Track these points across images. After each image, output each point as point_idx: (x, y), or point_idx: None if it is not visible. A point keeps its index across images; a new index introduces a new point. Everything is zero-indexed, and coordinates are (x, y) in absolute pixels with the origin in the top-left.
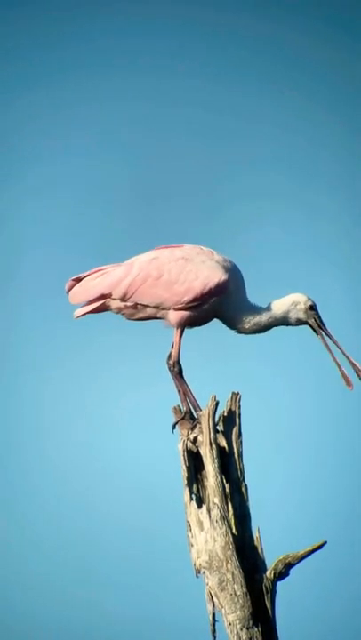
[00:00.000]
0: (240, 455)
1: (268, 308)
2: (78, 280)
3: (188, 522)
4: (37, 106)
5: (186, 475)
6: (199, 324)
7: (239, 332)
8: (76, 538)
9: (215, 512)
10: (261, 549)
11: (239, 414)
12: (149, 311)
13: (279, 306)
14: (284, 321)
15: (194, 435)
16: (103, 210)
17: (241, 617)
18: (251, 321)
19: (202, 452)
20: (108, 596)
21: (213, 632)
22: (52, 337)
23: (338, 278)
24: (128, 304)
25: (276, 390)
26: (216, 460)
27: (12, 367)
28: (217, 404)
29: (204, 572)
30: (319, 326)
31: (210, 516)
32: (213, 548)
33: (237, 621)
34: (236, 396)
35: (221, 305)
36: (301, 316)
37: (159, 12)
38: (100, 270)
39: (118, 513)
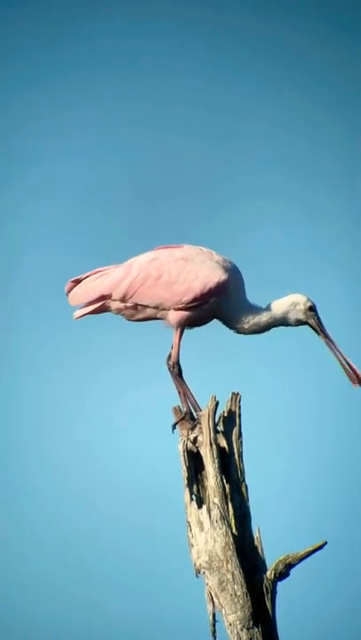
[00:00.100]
0: (240, 455)
1: (268, 309)
2: (77, 282)
3: (188, 522)
4: (37, 106)
5: (186, 475)
6: (199, 325)
7: (238, 332)
8: (76, 538)
9: (215, 512)
10: (262, 549)
11: (239, 414)
12: (149, 312)
13: (279, 306)
14: (283, 321)
15: (194, 435)
16: (103, 210)
17: (241, 617)
18: (250, 321)
19: (202, 452)
20: (108, 596)
21: (214, 632)
22: (51, 337)
23: (338, 278)
24: (128, 305)
25: (276, 390)
26: (216, 461)
27: (11, 367)
28: (217, 404)
29: (204, 573)
30: (319, 327)
31: (210, 517)
32: (213, 549)
33: (238, 622)
34: (236, 397)
35: (221, 305)
36: (301, 316)
37: (159, 11)
38: (99, 272)
39: (118, 513)
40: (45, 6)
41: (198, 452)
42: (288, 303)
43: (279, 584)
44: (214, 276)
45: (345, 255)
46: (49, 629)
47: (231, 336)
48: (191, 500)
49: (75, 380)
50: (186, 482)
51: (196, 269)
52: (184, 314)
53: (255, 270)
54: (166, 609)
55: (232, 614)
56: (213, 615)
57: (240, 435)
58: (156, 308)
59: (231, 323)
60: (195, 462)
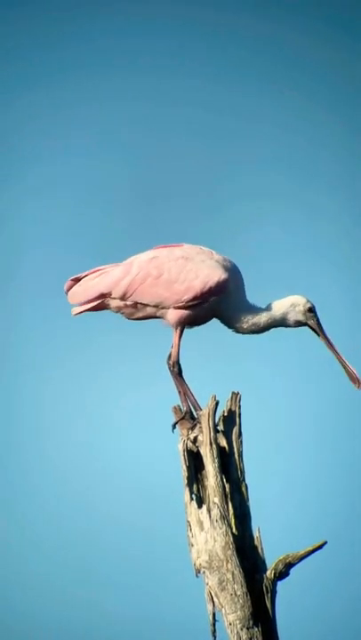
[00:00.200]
0: (240, 455)
1: (267, 309)
2: (77, 280)
3: (188, 522)
4: (37, 106)
5: (186, 474)
6: (198, 324)
7: (237, 331)
8: (76, 538)
9: (215, 512)
10: (262, 549)
11: (239, 414)
12: (149, 310)
13: (278, 307)
14: (282, 322)
15: (194, 434)
16: (103, 210)
17: (241, 617)
18: (249, 321)
19: (202, 451)
20: (108, 595)
21: (214, 632)
22: (51, 337)
23: (338, 278)
24: (128, 303)
25: (276, 390)
26: (216, 460)
27: (12, 367)
28: (217, 403)
29: (204, 572)
30: (318, 328)
31: (210, 516)
32: (213, 548)
33: (238, 621)
34: (236, 396)
35: (221, 304)
36: (300, 317)
37: (159, 11)
38: (98, 270)
39: (118, 513)
40: (45, 6)
41: (198, 452)
42: (288, 304)
43: (279, 584)
44: (214, 275)
45: (345, 255)
46: (49, 629)
47: (231, 336)
48: (191, 499)
49: (75, 380)
50: (186, 481)
51: (197, 268)
52: (184, 312)
53: (255, 270)
54: (166, 609)
55: (232, 614)
56: (213, 615)
57: (240, 434)
58: (155, 306)
59: (230, 322)
60: (195, 462)
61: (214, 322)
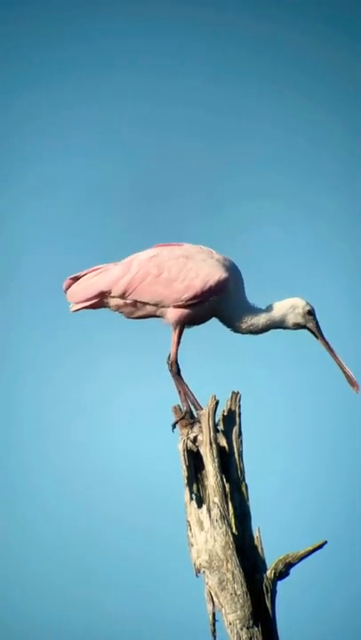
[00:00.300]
0: (240, 455)
1: (267, 310)
2: (76, 279)
3: (188, 521)
4: (37, 106)
5: (186, 474)
6: (198, 323)
7: (236, 330)
8: (76, 538)
9: (215, 511)
10: (262, 549)
11: (239, 414)
12: (148, 309)
13: (278, 309)
14: (281, 324)
15: (194, 434)
16: (103, 210)
17: (241, 617)
18: (248, 321)
19: (202, 451)
20: (108, 596)
21: (213, 632)
22: (51, 337)
23: (337, 278)
24: (127, 301)
25: (276, 390)
26: (216, 460)
27: (12, 367)
28: (217, 403)
29: (204, 572)
30: (317, 331)
31: (210, 516)
32: (213, 548)
33: (237, 621)
34: (236, 396)
35: (221, 304)
36: (299, 320)
37: (159, 11)
38: (97, 269)
39: (118, 513)
40: (45, 6)
41: (198, 452)
42: (287, 306)
43: (279, 583)
44: (215, 274)
45: (345, 255)
46: (49, 629)
47: (231, 336)
48: (191, 499)
49: (75, 380)
50: (186, 481)
51: (197, 267)
52: (183, 311)
53: (255, 270)
54: (166, 609)
55: (232, 613)
56: (213, 614)
57: (240, 434)
58: (155, 305)
59: (230, 322)
60: (195, 461)
61: (214, 322)
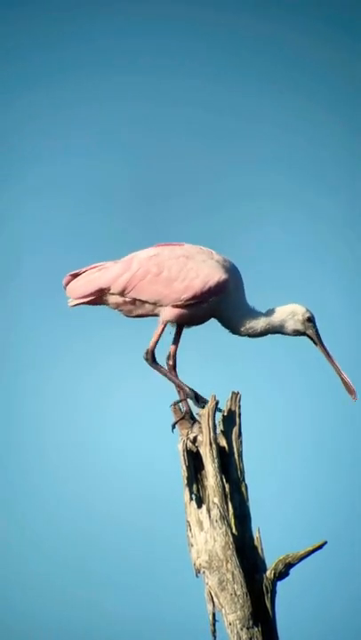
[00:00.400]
0: (240, 455)
1: (266, 314)
2: (76, 276)
3: (188, 522)
4: (37, 106)
5: (186, 474)
6: (196, 324)
7: (234, 332)
8: (76, 538)
9: (215, 512)
10: (261, 549)
11: (239, 414)
12: (147, 307)
13: (277, 314)
14: (280, 329)
15: (194, 434)
16: (103, 210)
17: (241, 617)
18: (247, 324)
19: (202, 451)
20: (108, 596)
21: (213, 632)
22: (52, 337)
23: (337, 279)
24: (126, 299)
25: (277, 390)
26: (216, 460)
27: (11, 367)
28: (217, 403)
29: (204, 572)
30: (316, 338)
31: (210, 516)
32: (213, 548)
33: (237, 621)
34: (236, 396)
35: (220, 305)
36: (299, 327)
37: (159, 12)
38: (97, 266)
39: (118, 513)
40: (45, 6)
41: (198, 452)
42: (287, 312)
43: (279, 584)
44: (215, 275)
45: (345, 256)
46: (49, 629)
47: (231, 336)
48: (191, 499)
49: (75, 380)
50: (185, 481)
51: (197, 267)
52: (180, 311)
53: (255, 270)
54: (166, 609)
55: (232, 614)
56: (213, 615)
57: (240, 434)
58: (154, 304)
59: (228, 323)
60: (194, 462)
61: (213, 322)
